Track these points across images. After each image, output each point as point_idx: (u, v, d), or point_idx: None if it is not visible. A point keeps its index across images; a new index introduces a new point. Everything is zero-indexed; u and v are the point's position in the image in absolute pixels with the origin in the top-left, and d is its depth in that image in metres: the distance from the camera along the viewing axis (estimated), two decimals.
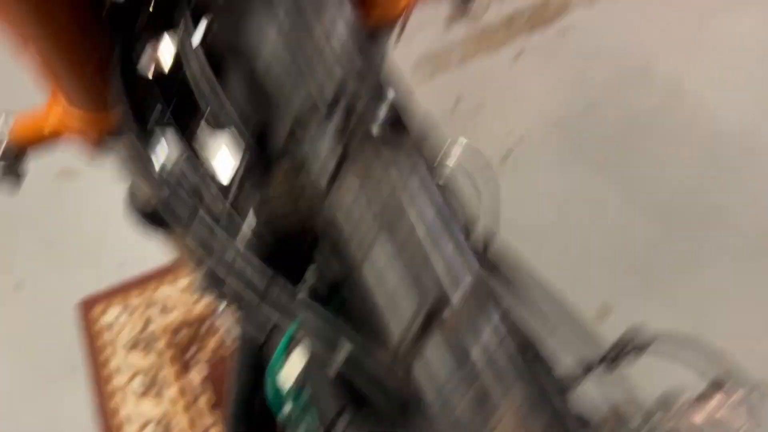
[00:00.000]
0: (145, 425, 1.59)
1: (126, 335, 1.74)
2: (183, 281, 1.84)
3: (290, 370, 0.45)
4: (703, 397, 0.61)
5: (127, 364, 1.69)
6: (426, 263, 0.32)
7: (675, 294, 1.71)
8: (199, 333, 1.74)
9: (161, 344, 1.72)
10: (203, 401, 1.63)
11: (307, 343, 0.41)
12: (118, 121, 0.59)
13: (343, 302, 0.42)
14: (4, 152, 0.57)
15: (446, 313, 0.32)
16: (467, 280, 0.33)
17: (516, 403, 0.31)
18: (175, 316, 1.77)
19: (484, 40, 2.36)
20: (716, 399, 0.60)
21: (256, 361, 0.57)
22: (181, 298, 1.81)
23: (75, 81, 0.54)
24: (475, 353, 0.31)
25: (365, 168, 0.35)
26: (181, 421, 1.59)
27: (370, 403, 0.39)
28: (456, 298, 0.32)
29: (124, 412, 1.61)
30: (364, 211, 0.34)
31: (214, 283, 0.58)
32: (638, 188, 1.94)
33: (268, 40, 0.40)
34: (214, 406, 1.62)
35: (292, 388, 0.44)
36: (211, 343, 1.71)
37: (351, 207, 0.35)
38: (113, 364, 1.69)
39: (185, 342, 1.72)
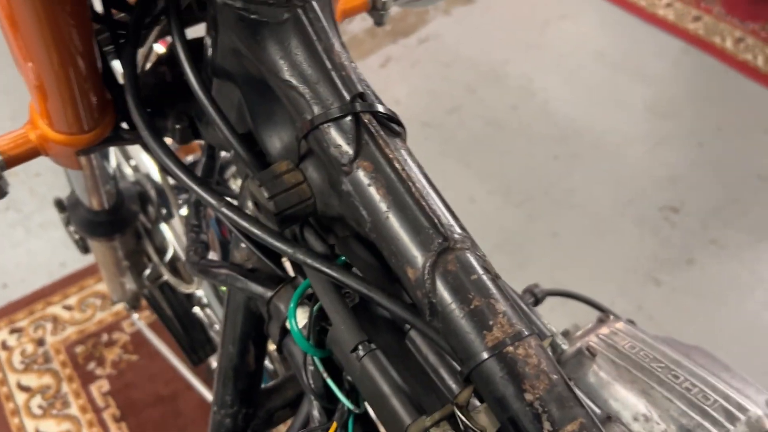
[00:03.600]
0: None
1: (18, 356, 1.70)
2: (73, 299, 1.82)
3: (302, 315, 0.54)
4: (594, 328, 0.76)
5: (23, 386, 1.65)
6: (433, 213, 0.45)
7: (541, 269, 1.93)
8: (97, 348, 1.73)
9: (57, 363, 1.70)
10: (108, 415, 1.63)
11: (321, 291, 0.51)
12: (94, 139, 0.65)
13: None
14: None
15: (455, 243, 0.44)
16: (459, 226, 0.46)
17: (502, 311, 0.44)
18: (68, 334, 1.75)
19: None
20: (604, 327, 0.76)
21: (247, 328, 0.65)
22: (73, 315, 1.78)
23: (61, 104, 0.60)
24: (477, 272, 0.44)
25: (377, 152, 0.46)
26: None
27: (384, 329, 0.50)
28: (457, 234, 0.45)
29: None
30: (379, 183, 0.46)
31: (203, 269, 0.66)
32: (502, 179, 2.16)
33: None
34: (120, 419, 1.63)
35: (306, 326, 0.53)
36: (111, 357, 1.71)
37: (368, 181, 0.46)
38: (8, 386, 1.65)
39: (83, 358, 1.71)
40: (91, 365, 1.69)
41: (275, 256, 0.63)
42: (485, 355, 0.43)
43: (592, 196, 2.12)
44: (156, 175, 0.97)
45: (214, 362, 1.34)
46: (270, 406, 0.72)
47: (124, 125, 0.69)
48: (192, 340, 1.22)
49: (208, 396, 1.41)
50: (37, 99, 0.64)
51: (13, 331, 1.75)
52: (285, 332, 0.60)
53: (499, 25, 2.60)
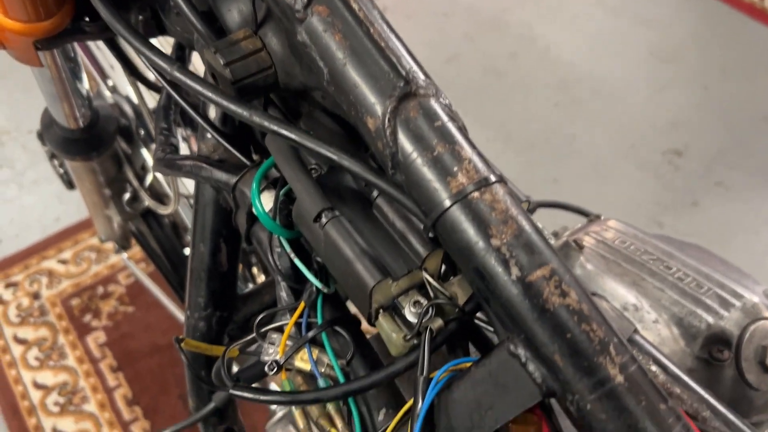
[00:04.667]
0: (48, 393, 1.56)
1: (13, 310, 1.69)
2: (67, 253, 1.80)
3: (268, 199, 0.51)
4: (584, 226, 0.73)
5: (19, 338, 1.64)
6: (394, 56, 0.42)
7: (541, 214, 1.89)
8: (93, 300, 1.71)
9: (53, 315, 1.68)
10: (104, 365, 1.62)
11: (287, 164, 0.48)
12: (52, 28, 0.62)
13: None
14: None
15: (417, 89, 0.42)
16: (423, 73, 0.43)
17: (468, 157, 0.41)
18: (64, 287, 1.74)
19: None
20: (594, 226, 0.72)
21: (217, 225, 0.63)
22: (68, 269, 1.77)
23: None
24: (441, 119, 0.41)
25: None
26: (84, 385, 1.58)
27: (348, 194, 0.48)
28: (420, 80, 0.42)
29: (23, 384, 1.57)
30: (335, 29, 0.43)
31: (169, 163, 0.63)
32: (501, 127, 2.12)
33: None
34: (117, 369, 1.62)
35: (273, 207, 0.51)
36: (106, 309, 1.70)
37: (323, 27, 0.43)
38: (4, 339, 1.64)
39: (79, 311, 1.70)
40: (87, 317, 1.68)
41: (240, 144, 0.60)
42: (448, 203, 0.40)
43: (593, 142, 2.07)
44: (134, 96, 0.93)
45: None
46: (246, 311, 0.69)
47: (87, 20, 0.66)
48: (181, 277, 1.20)
49: None
50: None
51: (8, 286, 1.73)
52: (252, 220, 0.57)
53: None
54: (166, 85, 0.59)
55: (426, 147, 0.41)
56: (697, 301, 0.61)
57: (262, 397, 0.46)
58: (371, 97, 0.43)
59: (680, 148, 2.05)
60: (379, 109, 0.42)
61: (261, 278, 1.08)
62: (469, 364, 0.44)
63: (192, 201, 1.01)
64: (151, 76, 0.80)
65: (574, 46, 2.31)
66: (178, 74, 0.49)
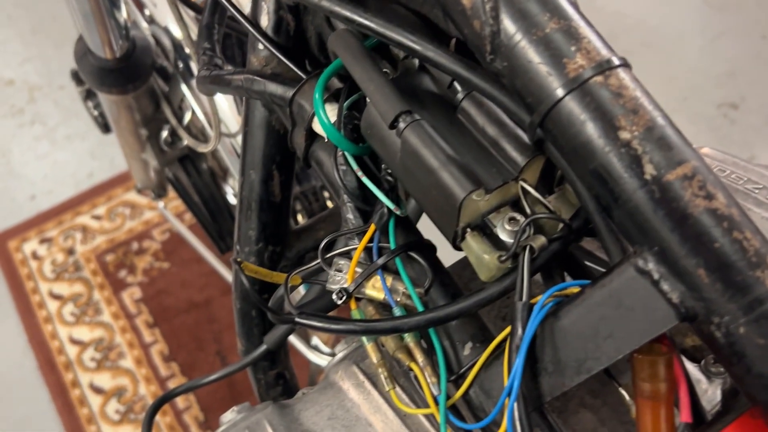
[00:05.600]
0: (84, 349, 1.53)
1: (48, 266, 1.66)
2: (101, 208, 1.76)
3: (331, 113, 0.45)
4: None
5: (54, 294, 1.62)
6: None
7: None
8: (128, 256, 1.68)
9: (88, 271, 1.65)
10: (140, 321, 1.59)
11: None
12: None
13: None
14: None
15: None
16: None
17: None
18: (98, 243, 1.70)
19: None
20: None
21: (270, 150, 0.56)
22: (102, 224, 1.73)
23: None
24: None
25: None
26: (120, 341, 1.55)
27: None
28: None
29: (59, 339, 1.55)
30: None
31: (216, 79, 0.56)
32: None
33: None
34: (153, 325, 1.59)
35: (337, 119, 0.44)
36: (142, 265, 1.66)
37: None
38: (40, 294, 1.61)
39: (114, 266, 1.66)
40: (122, 273, 1.65)
41: (295, 56, 0.53)
42: (562, 91, 0.33)
43: None
44: (174, 28, 0.87)
45: None
46: (300, 247, 0.63)
47: None
48: (219, 226, 1.15)
49: None
50: None
51: (42, 241, 1.70)
52: (312, 138, 0.51)
53: None
54: None
55: (534, 24, 0.34)
56: None
57: (333, 326, 0.40)
58: None
59: (736, 100, 1.94)
60: None
61: None
62: (577, 289, 0.37)
63: (232, 141, 0.96)
64: None
65: None
66: None
